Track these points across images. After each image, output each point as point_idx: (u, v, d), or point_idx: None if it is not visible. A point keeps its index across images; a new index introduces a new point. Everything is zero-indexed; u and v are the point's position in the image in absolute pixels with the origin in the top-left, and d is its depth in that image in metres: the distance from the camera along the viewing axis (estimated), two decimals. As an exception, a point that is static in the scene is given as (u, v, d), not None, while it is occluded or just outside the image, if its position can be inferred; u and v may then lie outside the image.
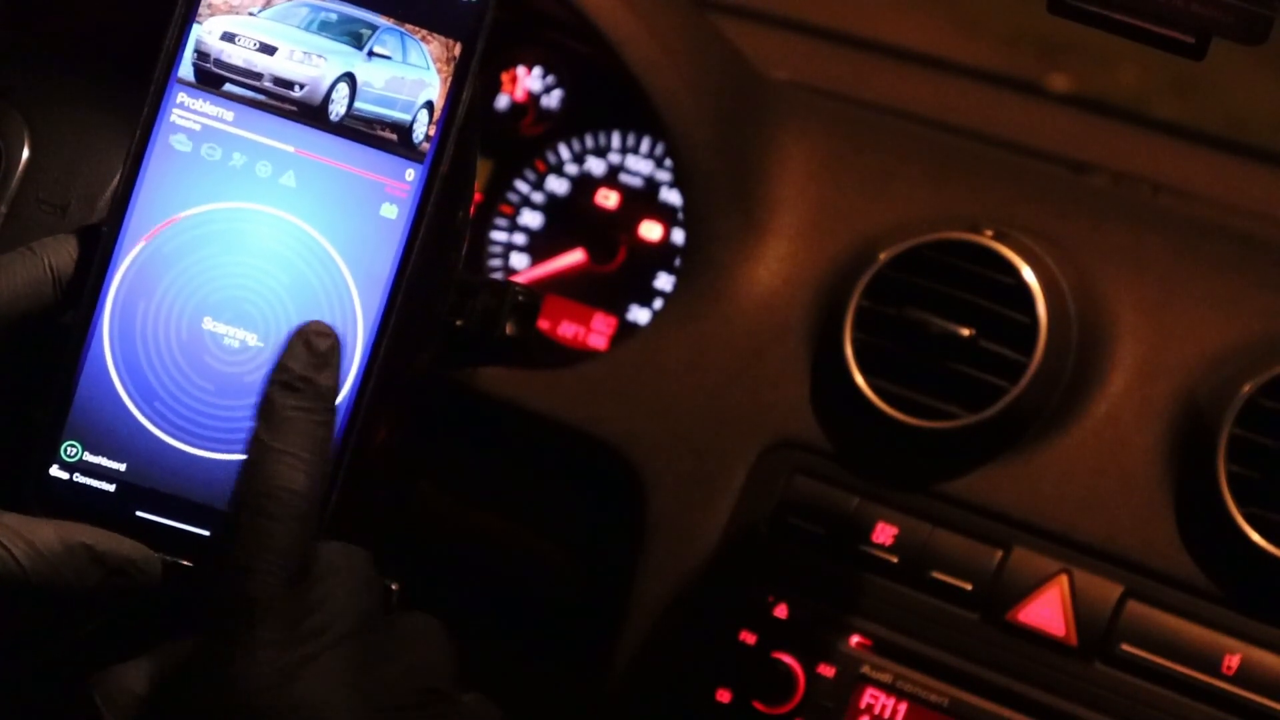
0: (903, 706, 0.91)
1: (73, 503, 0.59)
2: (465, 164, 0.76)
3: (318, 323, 0.57)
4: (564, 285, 1.11)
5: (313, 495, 0.54)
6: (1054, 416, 0.94)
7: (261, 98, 0.60)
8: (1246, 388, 0.89)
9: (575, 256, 1.11)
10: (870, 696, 0.92)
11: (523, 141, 1.14)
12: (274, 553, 0.53)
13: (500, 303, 0.77)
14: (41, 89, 0.75)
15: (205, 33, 0.60)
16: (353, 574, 0.55)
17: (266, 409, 0.55)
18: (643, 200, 1.11)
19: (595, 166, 1.12)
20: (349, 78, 0.61)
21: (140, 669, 0.55)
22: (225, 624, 0.53)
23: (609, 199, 1.11)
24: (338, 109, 0.61)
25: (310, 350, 0.56)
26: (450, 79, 0.61)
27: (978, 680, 0.91)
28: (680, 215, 1.08)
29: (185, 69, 0.60)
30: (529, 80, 1.14)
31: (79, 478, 0.59)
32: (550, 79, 1.14)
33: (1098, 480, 0.92)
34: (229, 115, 0.60)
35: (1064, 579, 0.91)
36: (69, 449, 0.59)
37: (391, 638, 0.55)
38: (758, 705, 0.93)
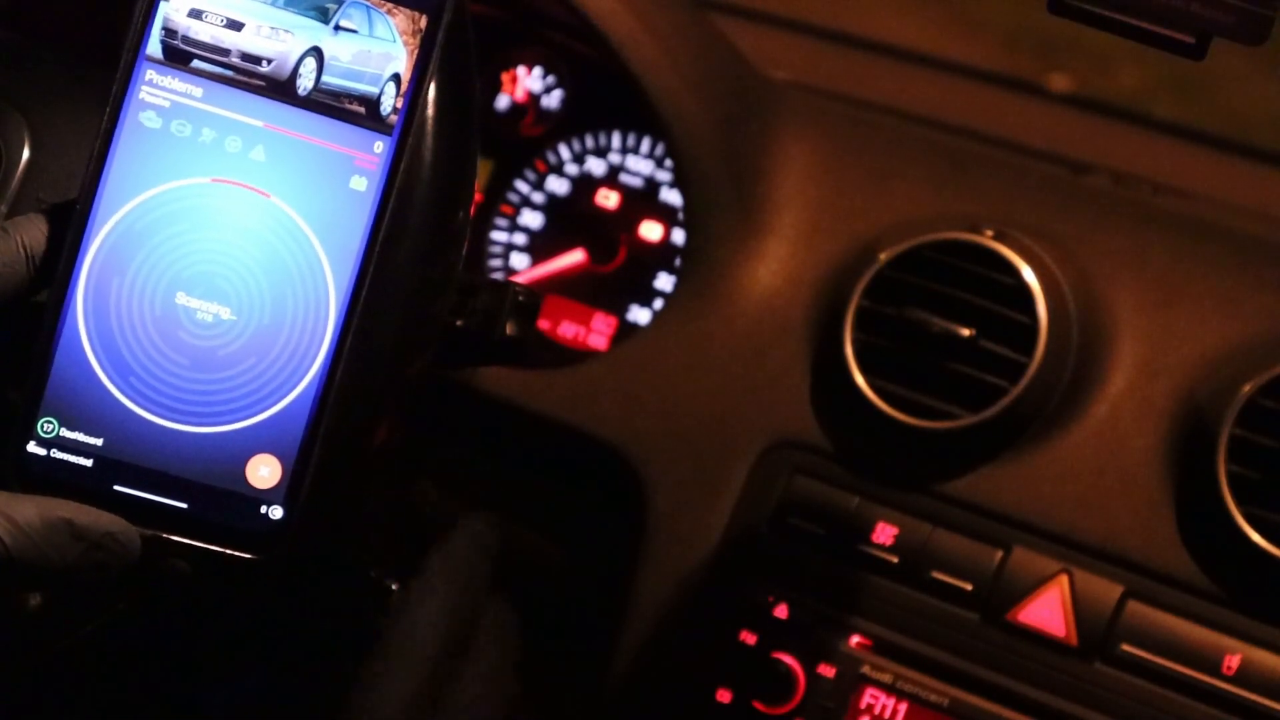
0: (903, 706, 0.91)
1: (51, 478, 0.59)
2: (464, 163, 0.76)
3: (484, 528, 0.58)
4: (564, 285, 1.11)
5: (443, 647, 0.54)
6: (1054, 416, 0.94)
7: (230, 73, 0.61)
8: (1246, 388, 0.89)
9: (575, 256, 1.11)
10: (870, 696, 0.92)
11: (523, 142, 1.14)
12: (393, 693, 0.54)
13: (500, 303, 0.77)
14: (41, 89, 0.75)
15: (173, 10, 0.60)
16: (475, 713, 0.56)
17: None
18: (643, 200, 1.11)
19: (595, 167, 1.12)
20: (316, 52, 0.61)
21: None
22: None
23: (609, 199, 1.11)
24: (305, 83, 0.61)
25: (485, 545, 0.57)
26: (416, 51, 0.62)
27: (978, 680, 0.91)
28: (680, 215, 1.08)
29: (153, 46, 0.60)
30: (529, 80, 1.14)
31: (56, 454, 0.59)
32: (550, 79, 1.14)
33: (1098, 480, 0.92)
34: (198, 91, 0.61)
35: (1064, 579, 0.91)
36: (46, 425, 0.59)
37: None
38: (758, 705, 0.93)
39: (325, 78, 0.61)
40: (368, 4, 0.62)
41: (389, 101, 0.62)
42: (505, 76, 1.14)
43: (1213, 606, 0.89)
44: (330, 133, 0.61)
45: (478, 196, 1.13)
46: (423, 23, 0.62)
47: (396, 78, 0.62)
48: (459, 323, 0.77)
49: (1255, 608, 0.88)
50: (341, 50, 0.61)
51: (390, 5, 0.62)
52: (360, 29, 0.62)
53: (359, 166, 0.61)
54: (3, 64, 0.77)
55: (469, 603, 0.56)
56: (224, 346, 0.60)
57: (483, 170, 1.13)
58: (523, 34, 1.14)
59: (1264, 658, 0.87)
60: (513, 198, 1.13)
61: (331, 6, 0.61)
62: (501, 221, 1.13)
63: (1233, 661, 0.88)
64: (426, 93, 0.62)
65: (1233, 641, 0.88)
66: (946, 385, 0.93)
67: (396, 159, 0.61)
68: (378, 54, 0.61)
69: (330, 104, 0.61)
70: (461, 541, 0.56)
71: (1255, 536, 0.87)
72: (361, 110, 0.61)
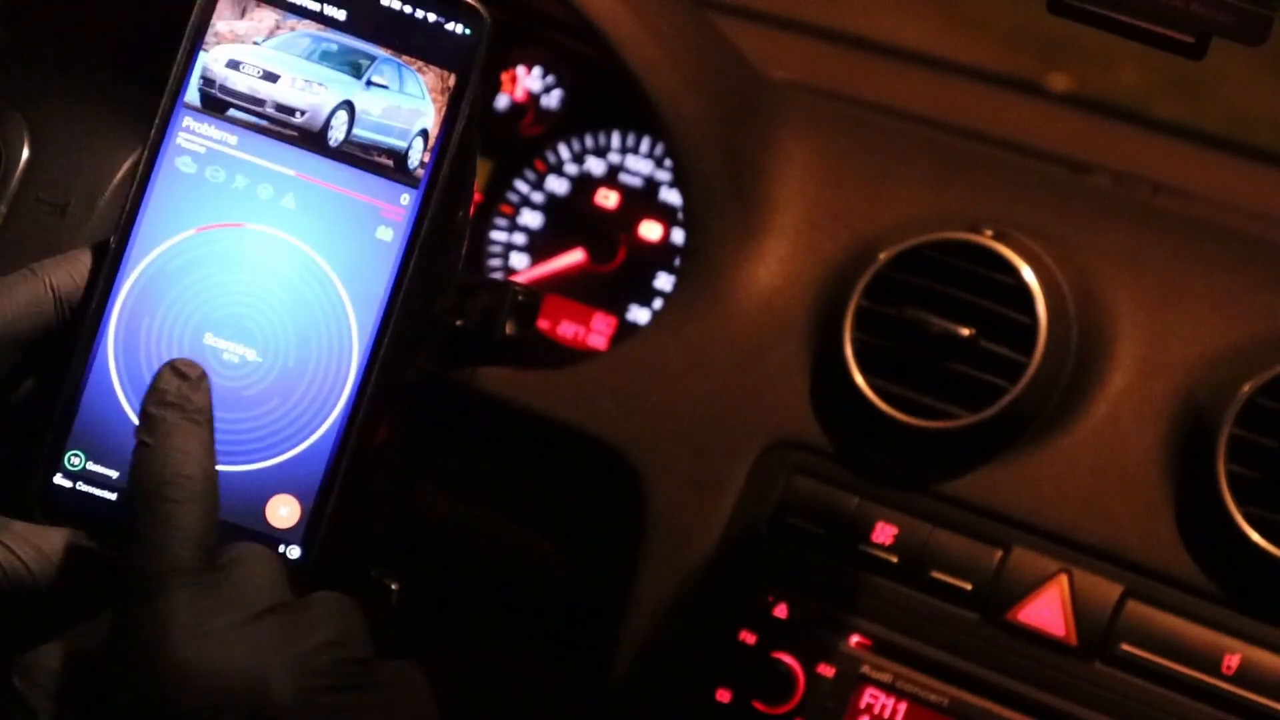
0: (903, 706, 0.91)
1: (76, 510, 0.60)
2: (465, 165, 0.76)
3: (183, 359, 0.60)
4: (564, 285, 1.11)
5: (208, 480, 0.57)
6: (1054, 416, 0.94)
7: (264, 123, 0.62)
8: (1246, 388, 0.89)
9: (575, 256, 1.11)
10: (870, 696, 0.92)
11: (523, 141, 1.14)
12: (181, 530, 0.56)
13: (500, 303, 0.77)
14: (41, 89, 0.75)
15: (211, 60, 0.62)
16: (264, 561, 0.57)
17: (148, 423, 0.58)
18: (642, 200, 1.11)
19: (595, 166, 1.12)
20: (348, 105, 0.63)
21: (58, 649, 0.56)
22: (140, 597, 0.55)
23: (609, 199, 1.11)
24: (337, 135, 0.63)
25: (180, 377, 0.59)
26: (444, 108, 0.63)
27: (978, 680, 0.91)
28: (680, 215, 1.08)
29: (191, 94, 0.62)
30: (529, 80, 1.14)
31: (82, 486, 0.60)
32: (550, 79, 1.14)
33: (1098, 480, 0.92)
34: (233, 139, 0.62)
35: (1064, 579, 0.91)
36: (73, 458, 0.60)
37: (308, 616, 0.56)
38: (758, 705, 0.93)
39: (356, 130, 0.63)
40: (399, 61, 0.63)
41: (416, 156, 0.63)
42: (505, 76, 1.14)
43: (1213, 606, 0.89)
44: (359, 184, 0.63)
45: (478, 196, 1.13)
46: (451, 81, 0.63)
47: (424, 133, 0.63)
48: (459, 323, 0.78)
49: (1255, 608, 0.88)
50: (373, 105, 0.63)
51: (421, 63, 0.63)
52: (391, 85, 0.63)
53: (385, 217, 0.63)
54: (3, 64, 0.77)
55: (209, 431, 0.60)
56: (249, 387, 0.61)
57: (483, 170, 1.13)
58: (523, 34, 1.14)
59: (1264, 658, 0.87)
60: (512, 197, 1.13)
61: (364, 62, 0.63)
62: (501, 221, 1.13)
63: (1233, 661, 0.88)
64: (453, 149, 0.63)
65: (1233, 641, 0.88)
66: (946, 385, 0.93)
67: (422, 212, 0.63)
68: (407, 110, 0.63)
69: (360, 156, 0.63)
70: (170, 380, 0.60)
71: (1255, 536, 0.87)
72: (390, 163, 0.63)
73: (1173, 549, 0.90)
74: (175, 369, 0.59)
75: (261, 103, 0.62)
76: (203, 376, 0.59)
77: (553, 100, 1.14)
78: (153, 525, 0.56)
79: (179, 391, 0.58)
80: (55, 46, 0.80)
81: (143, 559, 0.55)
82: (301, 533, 0.61)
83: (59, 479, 0.60)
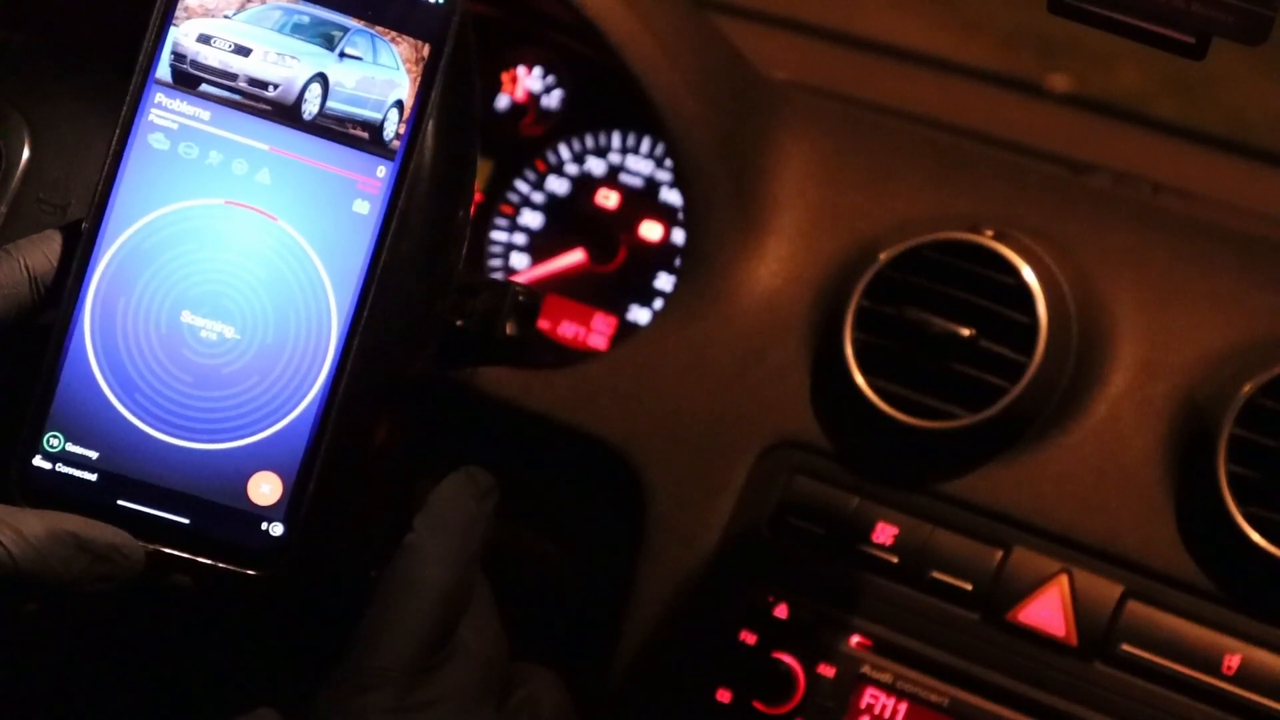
0: (903, 706, 0.91)
1: (56, 492, 0.60)
2: (464, 164, 0.76)
3: (478, 470, 0.64)
4: (564, 285, 1.11)
5: (452, 586, 0.60)
6: (1054, 416, 0.94)
7: (237, 97, 0.62)
8: (1246, 388, 0.89)
9: (575, 256, 1.11)
10: (870, 696, 0.92)
11: (523, 141, 1.14)
12: (403, 632, 0.58)
13: (500, 303, 0.77)
14: (41, 89, 0.75)
15: (182, 35, 0.62)
16: (479, 655, 0.59)
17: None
18: (643, 200, 1.11)
19: (595, 166, 1.12)
20: (321, 78, 0.63)
21: None
22: (341, 692, 0.57)
23: (609, 199, 1.11)
24: (311, 108, 0.62)
25: (477, 483, 0.63)
26: (419, 79, 0.63)
27: (978, 680, 0.91)
28: (680, 215, 1.08)
29: (163, 70, 0.62)
30: (529, 80, 1.14)
31: (61, 468, 0.60)
32: (550, 79, 1.14)
33: (1098, 480, 0.92)
34: (205, 114, 0.62)
35: (1064, 579, 0.91)
36: (51, 440, 0.60)
37: (508, 711, 0.58)
38: (758, 705, 0.93)
39: (330, 103, 0.62)
40: (372, 32, 0.63)
41: (392, 127, 0.63)
42: (505, 76, 1.14)
43: (1213, 606, 0.89)
44: (334, 157, 0.62)
45: (478, 196, 1.13)
46: (426, 51, 0.63)
47: (400, 104, 0.63)
48: (459, 323, 0.78)
49: (1255, 608, 0.88)
50: (346, 77, 0.62)
51: (394, 34, 0.63)
52: (365, 56, 0.63)
53: (362, 190, 0.62)
54: (3, 64, 0.77)
55: (473, 543, 0.61)
56: (227, 365, 0.61)
57: (483, 170, 1.13)
58: (523, 34, 1.14)
59: (1264, 658, 0.87)
60: (513, 198, 1.13)
61: (337, 34, 0.63)
62: (501, 221, 1.14)
63: (1233, 661, 0.88)
64: (429, 120, 0.63)
65: (1233, 641, 0.88)
66: (946, 385, 0.94)
67: (399, 184, 0.63)
68: (381, 81, 0.63)
69: (335, 129, 0.62)
70: (456, 484, 0.61)
71: (1255, 536, 0.87)
72: (365, 135, 0.63)
73: (1173, 549, 0.90)
74: (471, 473, 0.63)
75: (234, 77, 0.62)
76: (494, 487, 0.63)
77: (553, 100, 1.14)
78: (374, 621, 0.59)
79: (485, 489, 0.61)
80: (55, 46, 0.80)
81: (358, 651, 0.58)
82: (284, 510, 0.61)
83: (38, 461, 0.60)
